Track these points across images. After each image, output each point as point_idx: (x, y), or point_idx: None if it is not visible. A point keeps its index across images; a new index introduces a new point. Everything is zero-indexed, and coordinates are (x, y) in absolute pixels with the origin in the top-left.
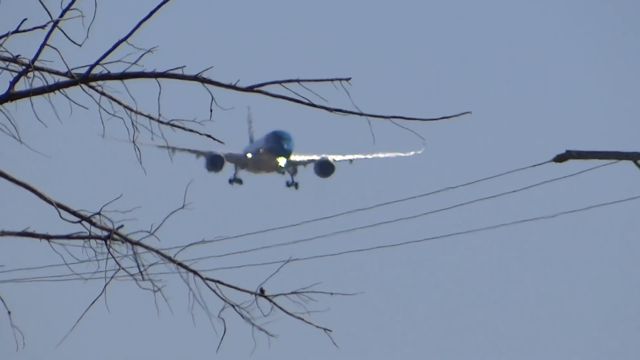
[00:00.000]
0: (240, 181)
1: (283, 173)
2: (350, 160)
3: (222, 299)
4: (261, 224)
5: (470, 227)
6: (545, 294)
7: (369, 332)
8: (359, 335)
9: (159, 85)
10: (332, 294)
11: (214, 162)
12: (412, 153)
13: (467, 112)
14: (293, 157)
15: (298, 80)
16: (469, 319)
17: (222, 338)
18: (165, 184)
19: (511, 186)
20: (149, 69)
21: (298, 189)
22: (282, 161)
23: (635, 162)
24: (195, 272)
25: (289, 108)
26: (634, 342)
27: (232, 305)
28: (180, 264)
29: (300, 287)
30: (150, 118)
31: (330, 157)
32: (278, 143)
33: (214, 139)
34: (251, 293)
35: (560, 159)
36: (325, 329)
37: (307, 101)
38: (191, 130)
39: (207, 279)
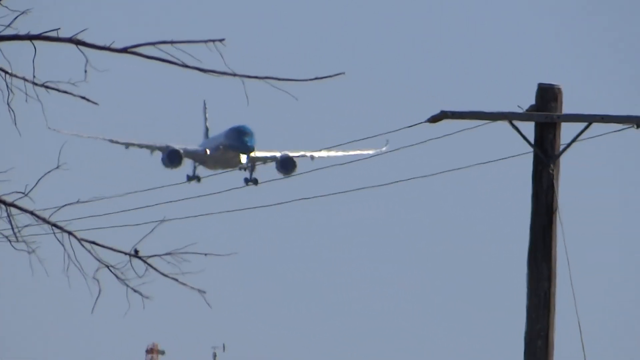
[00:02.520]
0: (198, 178)
1: (244, 169)
2: (312, 157)
3: (97, 260)
4: (136, 185)
5: (345, 188)
6: (418, 252)
7: (243, 292)
8: (232, 295)
9: (34, 48)
10: (206, 254)
11: (172, 158)
12: (374, 151)
13: (340, 73)
14: (254, 154)
15: (172, 42)
16: (341, 276)
17: (96, 299)
18: (40, 146)
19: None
20: (23, 32)
21: (258, 186)
22: (243, 158)
23: (511, 122)
24: (70, 233)
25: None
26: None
27: (107, 266)
28: (55, 225)
29: (175, 248)
30: (25, 80)
31: (292, 154)
32: (240, 139)
33: (88, 100)
34: (126, 254)
35: (434, 119)
36: (199, 290)
37: (180, 62)
38: (65, 92)
39: (82, 239)
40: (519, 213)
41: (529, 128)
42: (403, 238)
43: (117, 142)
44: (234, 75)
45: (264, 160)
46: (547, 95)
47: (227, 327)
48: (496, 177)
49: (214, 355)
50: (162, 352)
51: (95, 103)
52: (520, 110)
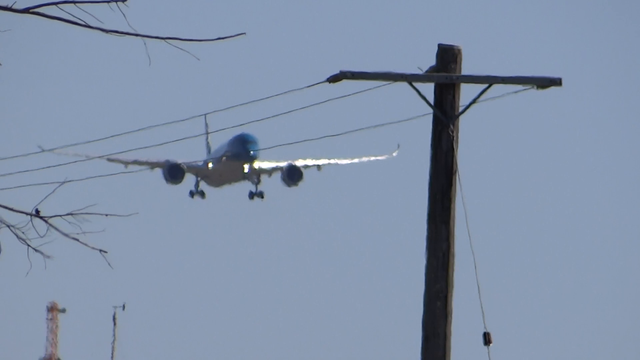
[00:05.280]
0: (202, 194)
1: (248, 179)
2: (319, 166)
3: None
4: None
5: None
6: (317, 213)
7: (143, 252)
8: (133, 255)
9: None
10: (107, 215)
11: (173, 173)
12: (385, 157)
13: (242, 34)
14: (258, 164)
15: (74, 2)
16: (239, 232)
17: None
18: None
19: (285, 107)
20: None
21: (264, 199)
22: (247, 167)
23: (410, 83)
24: None
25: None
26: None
27: (8, 226)
28: None
29: (76, 208)
30: None
31: (298, 163)
32: (243, 147)
33: None
34: (27, 214)
35: (334, 79)
36: (100, 250)
37: (83, 23)
38: None
39: None
40: (418, 174)
41: (429, 89)
42: (301, 200)
43: (116, 161)
44: (136, 35)
45: (269, 172)
46: (447, 56)
47: (128, 287)
48: (396, 138)
49: (114, 314)
50: (63, 311)
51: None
52: (419, 71)
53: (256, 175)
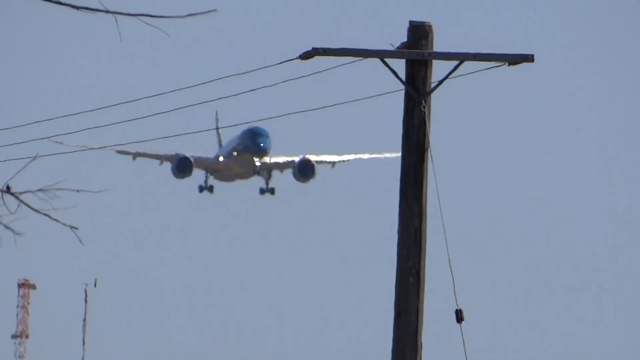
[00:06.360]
0: (211, 188)
1: (260, 175)
2: (333, 163)
3: None
4: (8, 121)
5: (216, 125)
6: (288, 190)
7: (115, 229)
8: (104, 232)
9: None
10: (78, 191)
11: (181, 166)
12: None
13: (212, 10)
14: (269, 159)
15: None
16: (212, 209)
17: None
18: None
19: (258, 83)
20: None
21: (274, 195)
22: (258, 160)
23: (382, 60)
24: None
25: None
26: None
27: None
28: None
29: (47, 184)
30: None
31: (311, 158)
32: (254, 140)
33: None
34: None
35: (306, 56)
36: (71, 226)
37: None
38: None
39: None
40: (391, 151)
41: (400, 66)
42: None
43: (125, 153)
44: (107, 12)
45: (281, 167)
46: (418, 33)
47: (99, 263)
48: (368, 114)
49: (85, 291)
50: (34, 287)
51: None
52: (391, 48)
53: (267, 171)
